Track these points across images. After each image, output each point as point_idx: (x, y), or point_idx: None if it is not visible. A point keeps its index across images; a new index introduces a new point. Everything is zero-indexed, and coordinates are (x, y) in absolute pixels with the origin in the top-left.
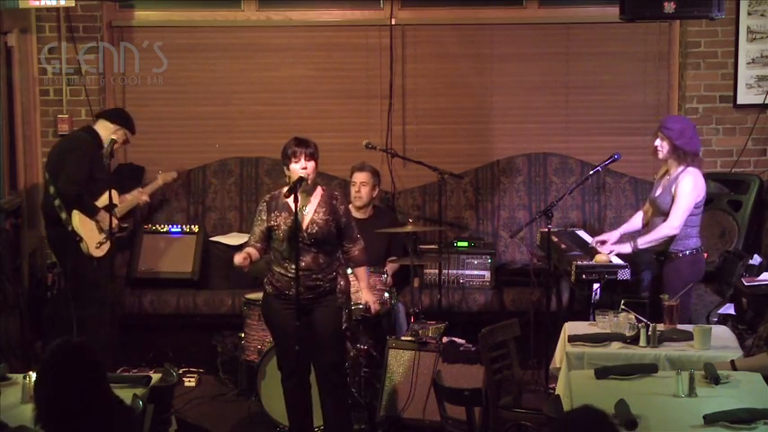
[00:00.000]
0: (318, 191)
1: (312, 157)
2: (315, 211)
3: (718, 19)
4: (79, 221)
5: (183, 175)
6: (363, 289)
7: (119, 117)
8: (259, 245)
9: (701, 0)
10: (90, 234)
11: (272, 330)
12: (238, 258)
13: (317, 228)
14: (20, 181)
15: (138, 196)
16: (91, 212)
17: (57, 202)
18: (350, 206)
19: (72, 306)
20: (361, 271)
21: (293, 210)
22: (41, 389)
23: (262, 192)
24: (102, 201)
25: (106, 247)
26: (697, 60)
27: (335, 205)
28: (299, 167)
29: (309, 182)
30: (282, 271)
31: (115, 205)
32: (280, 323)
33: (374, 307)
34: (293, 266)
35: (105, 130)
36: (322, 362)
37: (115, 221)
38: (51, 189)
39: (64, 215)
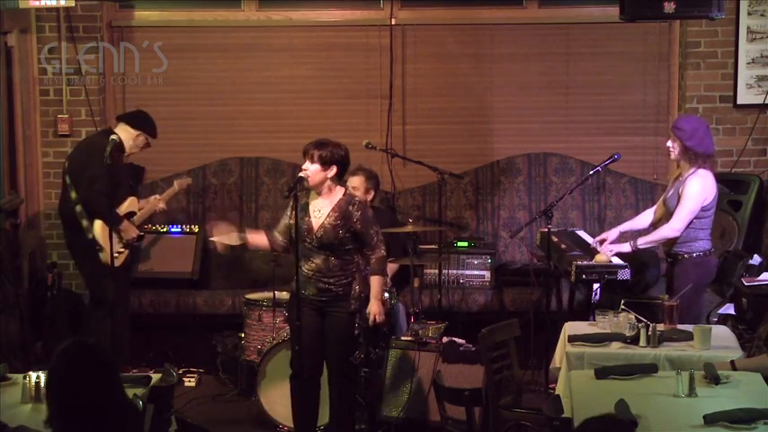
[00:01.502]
0: (338, 195)
1: (318, 159)
2: (327, 215)
3: (718, 19)
4: (101, 231)
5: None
6: (373, 298)
7: (140, 122)
8: (277, 236)
9: (701, 0)
10: (108, 243)
11: (289, 326)
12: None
13: (322, 232)
14: (20, 181)
15: (155, 203)
16: (115, 223)
17: (78, 208)
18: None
19: (87, 309)
20: (375, 280)
21: (307, 211)
22: (55, 388)
23: (262, 192)
24: (123, 209)
25: (123, 257)
26: (697, 60)
27: (350, 211)
28: (303, 168)
29: (310, 183)
30: (299, 269)
31: (134, 213)
32: (292, 321)
33: (371, 318)
34: (305, 266)
35: (126, 134)
36: (331, 365)
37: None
38: (73, 194)
39: (85, 223)
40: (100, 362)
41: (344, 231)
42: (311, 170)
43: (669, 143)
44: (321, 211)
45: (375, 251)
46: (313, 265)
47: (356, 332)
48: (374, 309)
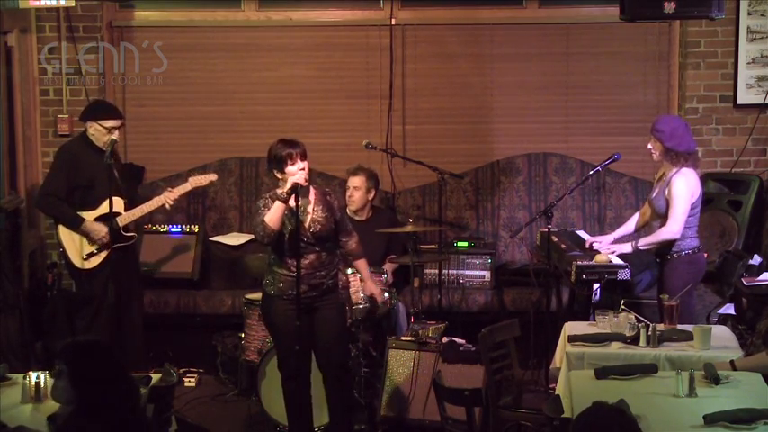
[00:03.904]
0: (311, 189)
1: (305, 156)
2: (313, 210)
3: (719, 19)
4: (63, 231)
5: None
6: (366, 280)
7: (87, 115)
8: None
9: (701, 0)
10: (75, 245)
11: (274, 332)
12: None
13: (319, 226)
14: (20, 181)
15: (165, 199)
16: (70, 224)
17: None
18: (346, 209)
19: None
20: (362, 263)
21: (294, 210)
22: (80, 385)
23: (261, 192)
24: (102, 209)
25: (98, 259)
26: (697, 60)
27: (330, 201)
28: (297, 168)
29: (307, 180)
30: (286, 271)
31: (118, 213)
32: (283, 324)
33: (380, 298)
34: (296, 265)
35: (89, 130)
36: (330, 361)
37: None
38: None
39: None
40: (108, 359)
41: (332, 221)
42: (306, 166)
43: (650, 145)
44: (304, 207)
45: (352, 235)
46: (306, 261)
47: (349, 322)
48: (375, 289)
